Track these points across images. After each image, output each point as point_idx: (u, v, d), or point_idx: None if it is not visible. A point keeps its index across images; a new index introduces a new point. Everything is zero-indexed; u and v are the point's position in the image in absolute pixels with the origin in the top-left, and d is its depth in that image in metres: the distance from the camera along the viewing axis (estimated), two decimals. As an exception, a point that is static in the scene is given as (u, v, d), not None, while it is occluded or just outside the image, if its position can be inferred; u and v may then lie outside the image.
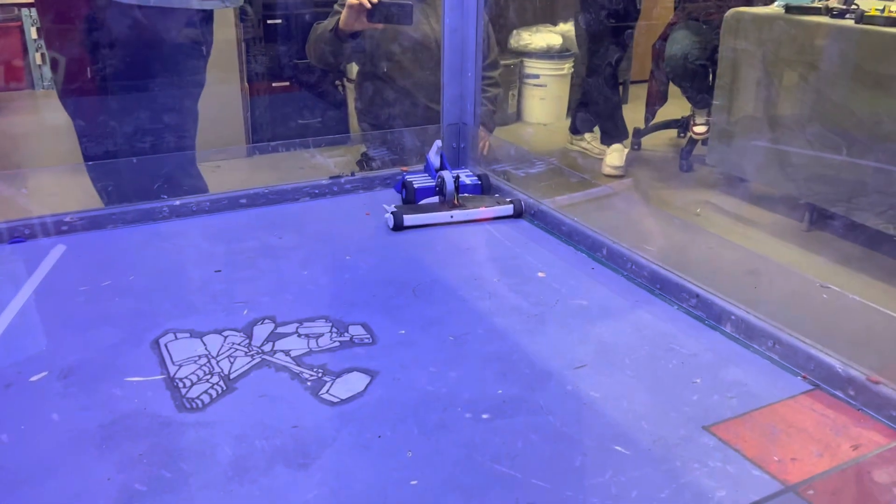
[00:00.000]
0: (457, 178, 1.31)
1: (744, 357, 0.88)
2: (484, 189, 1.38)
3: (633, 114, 3.98)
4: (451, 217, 1.26)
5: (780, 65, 2.76)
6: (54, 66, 1.50)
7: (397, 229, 1.22)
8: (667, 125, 3.73)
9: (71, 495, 0.65)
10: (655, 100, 3.61)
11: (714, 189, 3.23)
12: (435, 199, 1.31)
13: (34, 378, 0.82)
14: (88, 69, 1.41)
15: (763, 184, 3.02)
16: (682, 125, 3.67)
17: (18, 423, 0.74)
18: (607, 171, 3.43)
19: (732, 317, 0.93)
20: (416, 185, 1.33)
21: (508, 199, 1.29)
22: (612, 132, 3.50)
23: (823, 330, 0.87)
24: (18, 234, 1.16)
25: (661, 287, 1.03)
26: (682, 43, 3.21)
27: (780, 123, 2.80)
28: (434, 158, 1.40)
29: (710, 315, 0.96)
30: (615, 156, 3.43)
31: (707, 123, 3.28)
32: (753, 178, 3.02)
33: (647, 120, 3.66)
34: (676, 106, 3.58)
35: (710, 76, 3.20)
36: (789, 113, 2.76)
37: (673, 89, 3.48)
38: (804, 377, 0.84)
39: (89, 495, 0.65)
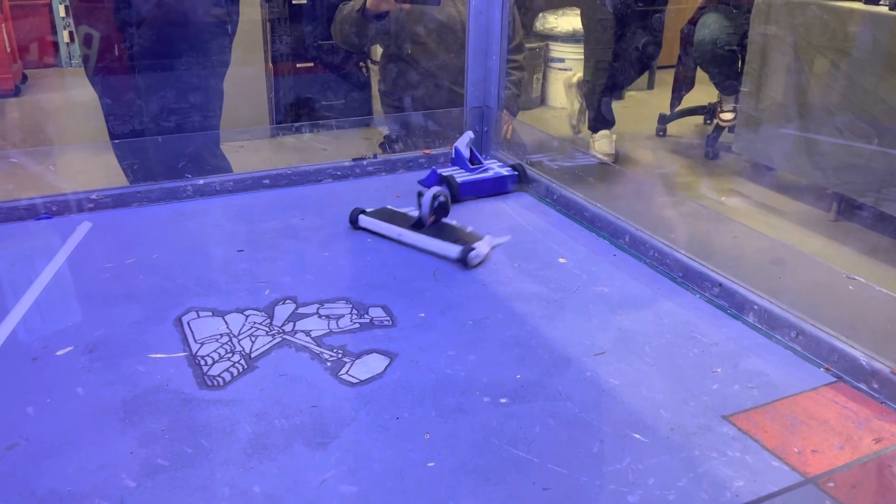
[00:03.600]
0: (435, 198, 1.14)
1: (766, 347, 0.88)
2: (520, 179, 1.33)
3: (659, 99, 3.93)
4: (399, 236, 1.12)
5: (811, 51, 2.71)
6: (83, 43, 1.51)
7: (352, 226, 1.15)
8: (693, 111, 3.68)
9: (94, 468, 0.66)
10: (682, 85, 3.56)
11: (740, 177, 3.19)
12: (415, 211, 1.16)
13: (60, 352, 0.83)
14: (116, 48, 1.42)
15: (790, 172, 2.98)
16: (709, 112, 3.62)
17: (44, 396, 0.76)
18: (600, 158, 3.39)
19: (755, 306, 0.92)
20: (459, 180, 1.26)
21: (469, 236, 1.11)
22: (601, 119, 3.44)
23: (848, 321, 0.86)
24: (46, 211, 1.18)
25: (683, 275, 1.02)
26: (711, 27, 3.16)
27: (810, 111, 2.75)
28: (464, 150, 1.34)
29: (732, 304, 0.95)
30: (604, 142, 3.40)
31: (734, 110, 3.24)
32: (780, 166, 2.97)
33: (672, 106, 3.62)
34: (702, 92, 3.53)
35: (739, 62, 3.15)
36: (819, 100, 2.71)
37: (700, 75, 3.43)
38: (827, 369, 0.83)
39: (113, 468, 0.66)
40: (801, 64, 2.74)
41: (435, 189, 1.15)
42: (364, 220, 1.15)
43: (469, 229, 1.15)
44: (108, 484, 0.64)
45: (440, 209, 1.15)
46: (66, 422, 0.72)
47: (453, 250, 1.06)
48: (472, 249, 1.05)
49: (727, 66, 3.20)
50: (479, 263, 1.06)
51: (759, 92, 2.92)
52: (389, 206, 1.21)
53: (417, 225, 1.13)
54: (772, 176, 3.04)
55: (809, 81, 2.73)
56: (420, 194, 1.15)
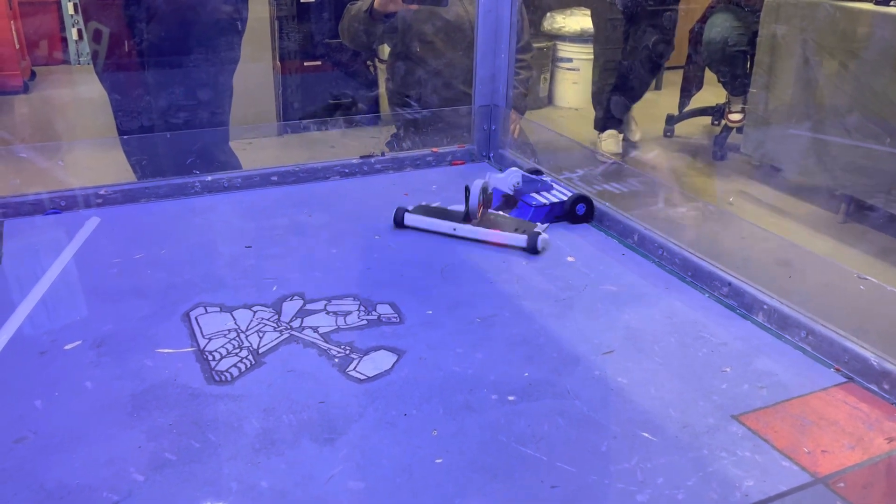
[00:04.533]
0: (484, 191, 1.16)
1: (775, 347, 0.87)
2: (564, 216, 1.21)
3: (667, 100, 3.92)
4: (454, 230, 1.13)
5: (820, 52, 2.70)
6: (92, 39, 1.51)
7: (397, 226, 1.15)
8: (701, 112, 3.67)
9: (103, 462, 0.66)
10: (691, 86, 3.55)
11: (748, 178, 3.18)
12: (461, 206, 1.16)
13: (68, 346, 0.83)
14: (125, 44, 1.42)
15: (799, 174, 2.96)
16: (718, 112, 3.61)
17: (53, 390, 0.76)
18: (607, 158, 3.30)
19: (765, 306, 0.92)
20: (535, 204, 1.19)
21: (533, 229, 1.11)
22: (609, 118, 3.41)
23: (859, 322, 0.85)
24: (54, 206, 1.18)
25: (692, 274, 1.02)
26: (721, 27, 3.15)
27: (819, 112, 2.74)
28: (508, 188, 1.21)
29: (741, 304, 0.95)
30: (611, 142, 3.38)
31: (743, 111, 3.22)
32: (789, 167, 2.96)
33: (681, 106, 3.60)
34: (710, 93, 3.52)
35: (749, 62, 3.13)
36: (829, 101, 2.70)
37: (708, 75, 3.42)
38: (837, 369, 0.83)
39: (121, 462, 0.66)
40: (810, 64, 2.72)
41: (481, 181, 1.17)
42: (410, 219, 1.16)
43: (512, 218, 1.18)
44: (116, 477, 0.64)
45: (487, 202, 1.17)
46: (75, 415, 0.72)
47: (521, 239, 1.10)
48: (539, 234, 1.09)
49: (737, 67, 3.18)
50: (544, 249, 1.09)
51: (768, 92, 2.91)
52: (427, 203, 1.21)
53: (466, 218, 1.15)
54: (780, 177, 3.03)
55: (819, 82, 2.71)
56: (467, 188, 1.15)
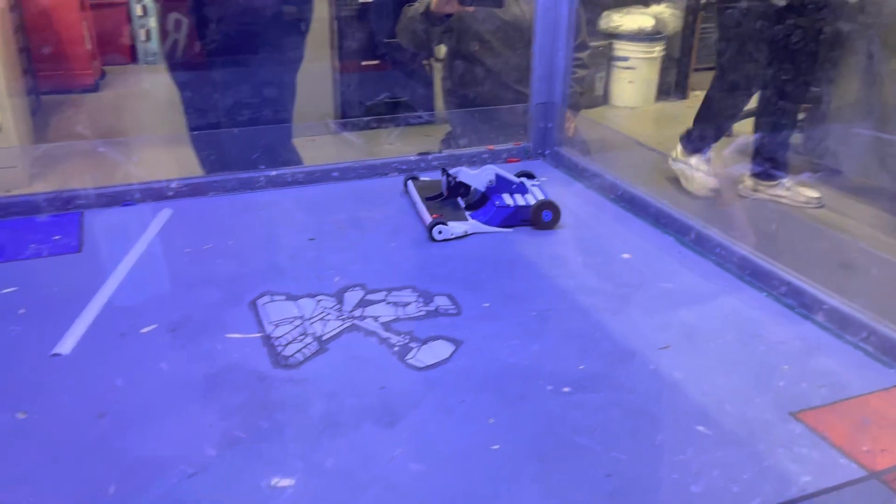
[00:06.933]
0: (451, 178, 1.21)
1: (835, 347, 0.86)
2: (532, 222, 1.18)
3: (726, 99, 3.84)
4: (415, 205, 1.21)
5: (885, 49, 2.62)
6: (164, 39, 1.58)
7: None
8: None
9: (178, 437, 0.70)
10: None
11: (809, 178, 3.10)
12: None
13: (145, 330, 0.88)
14: (197, 44, 1.48)
15: (860, 175, 2.88)
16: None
17: (131, 370, 0.80)
18: (704, 191, 2.60)
19: (825, 306, 0.91)
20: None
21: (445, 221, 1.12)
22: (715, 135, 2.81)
23: (923, 324, 0.84)
24: (129, 198, 1.24)
25: (750, 273, 1.02)
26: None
27: (884, 111, 2.66)
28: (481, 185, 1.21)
29: (800, 303, 0.94)
30: (702, 169, 2.69)
31: (805, 110, 3.14)
32: (851, 168, 2.88)
33: (741, 106, 3.53)
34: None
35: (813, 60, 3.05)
36: (893, 100, 2.62)
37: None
38: (900, 370, 0.82)
39: (195, 439, 0.70)
40: (874, 63, 2.64)
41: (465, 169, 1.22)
42: (411, 186, 1.26)
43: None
44: (190, 452, 0.68)
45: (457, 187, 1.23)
46: (151, 394, 0.77)
47: (427, 221, 1.15)
48: (441, 224, 1.13)
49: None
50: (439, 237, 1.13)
51: (832, 91, 2.83)
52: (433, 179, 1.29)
53: (436, 197, 1.23)
54: (842, 178, 2.95)
55: (884, 81, 2.63)
56: (444, 170, 1.23)
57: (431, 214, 1.17)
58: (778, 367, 0.82)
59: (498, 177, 1.20)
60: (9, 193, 1.25)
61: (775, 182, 2.69)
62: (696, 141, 2.76)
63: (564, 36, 1.42)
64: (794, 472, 0.66)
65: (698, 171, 2.60)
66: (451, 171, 1.22)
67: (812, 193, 2.64)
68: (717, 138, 2.80)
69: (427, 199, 1.23)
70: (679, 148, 2.79)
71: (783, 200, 2.67)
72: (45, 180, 2.26)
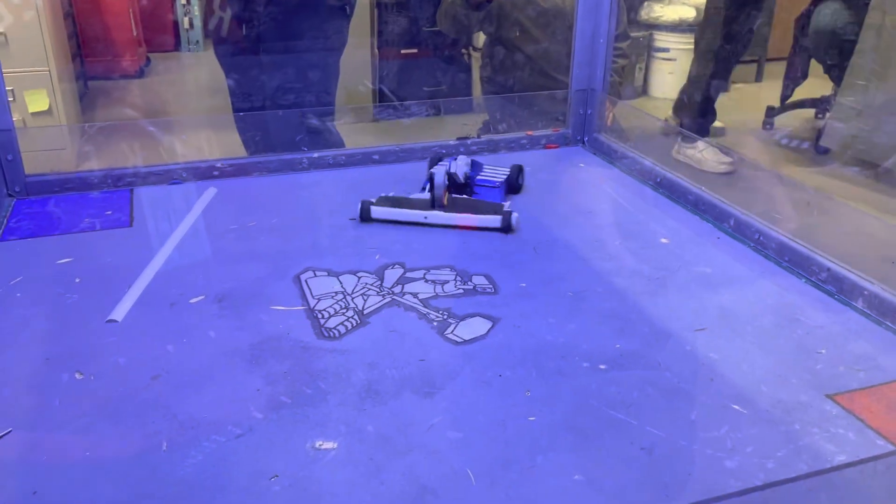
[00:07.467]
0: (452, 175, 1.16)
1: (875, 333, 0.86)
2: (510, 189, 1.23)
3: (767, 92, 3.79)
4: (425, 218, 1.12)
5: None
6: (214, 26, 1.61)
7: (363, 220, 1.13)
8: (804, 104, 3.53)
9: (227, 399, 0.73)
10: (794, 76, 3.42)
11: (850, 173, 3.04)
12: (425, 194, 1.15)
13: (194, 300, 0.91)
14: (243, 28, 1.51)
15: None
16: (822, 104, 3.46)
17: (181, 337, 0.84)
18: (722, 167, 2.64)
19: (865, 292, 0.90)
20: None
21: (503, 209, 1.12)
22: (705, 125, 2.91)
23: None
24: (177, 177, 1.28)
25: (789, 259, 1.01)
26: (830, 16, 3.02)
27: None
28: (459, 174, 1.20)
29: (840, 289, 0.94)
30: (711, 149, 2.69)
31: (842, 103, 3.08)
32: (893, 161, 2.81)
33: (783, 98, 3.48)
34: (811, 85, 3.38)
35: (857, 52, 2.99)
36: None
37: (813, 66, 3.28)
38: (940, 357, 0.81)
39: (242, 402, 0.73)
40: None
41: (444, 167, 1.17)
42: (377, 212, 1.13)
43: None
44: (239, 413, 0.71)
45: (452, 186, 1.16)
46: (201, 359, 0.80)
47: (495, 220, 1.10)
48: (511, 213, 1.10)
49: (845, 57, 3.04)
50: (517, 228, 1.11)
51: (876, 84, 2.77)
52: (387, 193, 1.16)
53: (432, 205, 1.13)
54: (884, 172, 2.88)
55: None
56: (431, 175, 1.15)
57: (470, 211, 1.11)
58: (815, 350, 0.82)
59: (473, 162, 1.25)
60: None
61: (691, 144, 2.73)
62: (692, 127, 2.85)
63: (606, 22, 1.42)
64: (829, 451, 0.67)
65: (707, 152, 2.66)
66: (436, 172, 1.15)
67: (723, 157, 2.63)
68: (713, 114, 2.91)
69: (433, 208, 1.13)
70: (678, 144, 2.85)
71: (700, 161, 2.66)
72: (92, 162, 2.32)
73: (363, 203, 1.13)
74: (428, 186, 1.17)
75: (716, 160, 2.61)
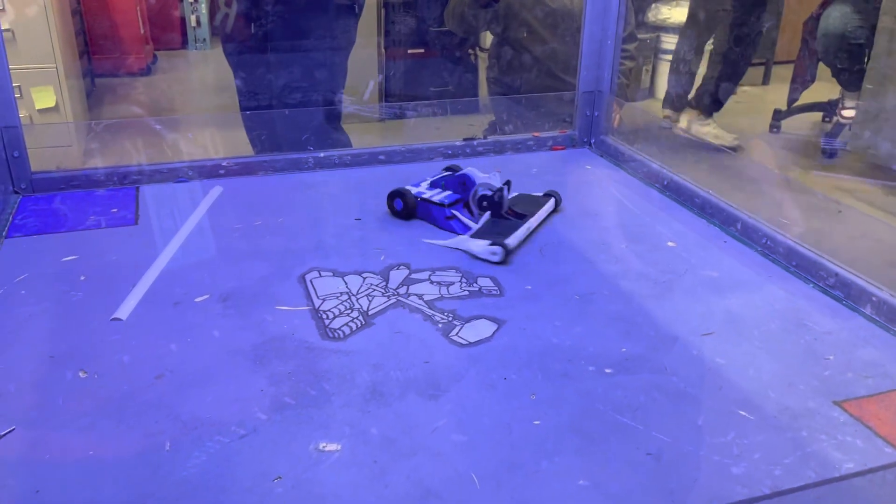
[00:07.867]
0: (488, 197, 1.12)
1: (883, 339, 0.85)
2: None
3: (774, 95, 3.78)
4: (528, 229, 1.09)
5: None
6: (220, 22, 1.61)
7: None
8: (811, 108, 3.51)
9: (230, 400, 0.73)
10: (802, 80, 3.41)
11: (858, 178, 3.03)
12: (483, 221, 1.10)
13: (198, 299, 0.91)
14: (251, 26, 1.51)
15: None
16: (830, 108, 3.45)
17: (185, 336, 0.83)
18: (734, 142, 3.22)
19: (874, 298, 0.90)
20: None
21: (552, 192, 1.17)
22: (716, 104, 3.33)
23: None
24: (182, 175, 1.28)
25: (797, 264, 1.01)
26: (838, 19, 3.01)
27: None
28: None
29: (848, 295, 0.93)
30: (720, 129, 3.28)
31: (857, 107, 3.07)
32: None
33: (790, 101, 3.47)
34: (817, 89, 3.37)
35: (867, 57, 2.98)
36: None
37: (821, 70, 3.27)
38: (949, 364, 0.80)
39: (246, 402, 0.73)
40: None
41: (484, 189, 1.12)
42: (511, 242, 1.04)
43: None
44: (242, 414, 0.71)
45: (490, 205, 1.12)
46: (205, 359, 0.79)
47: (551, 205, 1.16)
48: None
49: (854, 61, 3.03)
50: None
51: (886, 89, 2.76)
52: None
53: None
54: (893, 178, 2.87)
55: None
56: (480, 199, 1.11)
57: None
58: (823, 356, 0.82)
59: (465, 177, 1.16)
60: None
61: (706, 122, 3.29)
62: (709, 106, 3.32)
63: (614, 24, 1.42)
64: (837, 459, 0.66)
65: (718, 130, 3.22)
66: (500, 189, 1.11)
67: (732, 135, 3.20)
68: (725, 95, 3.32)
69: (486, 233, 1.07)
70: (697, 122, 3.32)
71: (707, 138, 3.19)
72: (98, 159, 2.32)
73: (504, 248, 1.02)
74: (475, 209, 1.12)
75: (727, 135, 3.20)
